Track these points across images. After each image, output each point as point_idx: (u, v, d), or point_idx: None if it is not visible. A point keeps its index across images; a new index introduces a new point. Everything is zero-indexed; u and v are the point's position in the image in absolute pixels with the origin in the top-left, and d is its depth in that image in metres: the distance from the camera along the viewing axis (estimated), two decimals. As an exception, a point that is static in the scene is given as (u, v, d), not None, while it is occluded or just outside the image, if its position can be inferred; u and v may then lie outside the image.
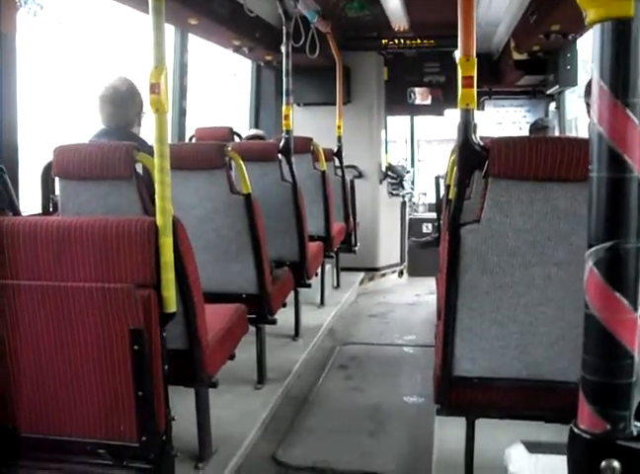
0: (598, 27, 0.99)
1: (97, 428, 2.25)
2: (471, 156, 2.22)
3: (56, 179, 2.77)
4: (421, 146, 11.06)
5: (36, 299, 2.18)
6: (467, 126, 2.20)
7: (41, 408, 2.28)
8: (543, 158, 2.14)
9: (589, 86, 3.11)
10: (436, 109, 8.03)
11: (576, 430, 1.07)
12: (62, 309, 2.17)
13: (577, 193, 2.16)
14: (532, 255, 2.22)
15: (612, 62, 0.98)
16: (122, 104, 3.01)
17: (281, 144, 4.43)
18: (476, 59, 2.21)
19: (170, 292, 2.23)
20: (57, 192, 2.81)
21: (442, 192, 5.08)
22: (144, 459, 2.27)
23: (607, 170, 1.00)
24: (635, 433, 1.04)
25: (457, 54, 2.24)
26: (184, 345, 2.55)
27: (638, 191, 0.99)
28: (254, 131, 5.83)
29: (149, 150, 2.54)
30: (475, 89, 2.21)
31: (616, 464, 1.03)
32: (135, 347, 2.14)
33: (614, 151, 0.99)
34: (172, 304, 2.24)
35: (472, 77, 2.20)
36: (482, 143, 2.22)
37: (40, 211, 2.92)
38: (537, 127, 5.12)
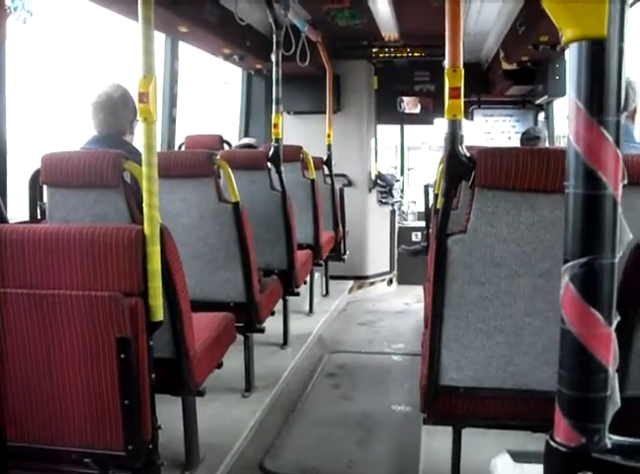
0: (574, 46, 1.00)
1: (83, 436, 2.25)
2: (458, 166, 2.23)
3: (44, 186, 2.77)
4: (410, 152, 11.07)
5: (22, 307, 2.18)
6: (454, 137, 2.22)
7: (28, 416, 2.27)
8: (529, 169, 2.15)
9: None
10: (426, 117, 8.06)
11: (552, 443, 1.09)
12: (49, 317, 2.17)
13: (562, 203, 2.17)
14: (518, 265, 2.23)
15: (587, 81, 0.99)
16: (115, 111, 3.00)
17: (271, 153, 4.44)
18: (463, 70, 2.23)
19: (157, 301, 2.23)
20: (45, 199, 2.80)
21: (432, 200, 5.11)
22: (130, 468, 2.27)
23: (583, 187, 1.01)
24: (609, 445, 1.05)
25: (445, 62, 2.25)
26: (171, 353, 2.55)
27: (613, 207, 1.01)
28: (246, 140, 5.83)
29: (138, 158, 2.54)
30: (462, 100, 2.23)
31: None
32: (122, 355, 2.13)
33: (590, 168, 1.00)
34: (159, 313, 2.24)
35: (459, 88, 2.21)
36: (469, 154, 2.24)
37: (27, 219, 2.91)
38: (529, 137, 5.15)
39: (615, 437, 1.06)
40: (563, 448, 1.07)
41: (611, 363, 1.04)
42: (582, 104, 1.00)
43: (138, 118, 3.05)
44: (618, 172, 1.00)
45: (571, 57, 1.01)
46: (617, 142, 1.00)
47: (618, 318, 1.04)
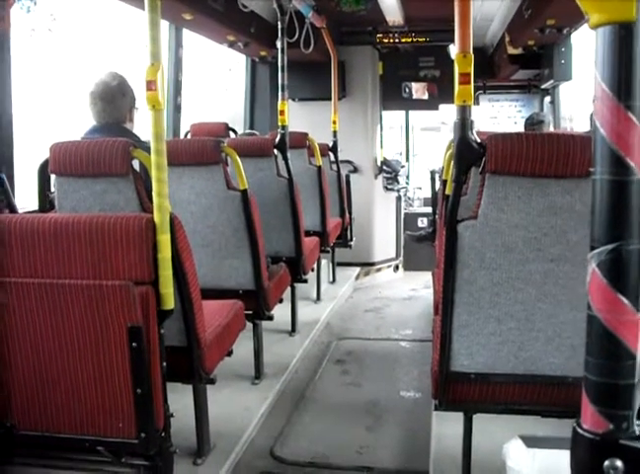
0: (600, 30, 0.99)
1: (95, 424, 2.26)
2: (468, 152, 2.22)
3: (53, 176, 2.76)
4: (415, 134, 10.98)
5: (33, 297, 2.18)
6: (464, 123, 2.21)
7: (39, 405, 2.28)
8: (540, 154, 2.14)
9: None
10: (431, 103, 8.04)
11: (579, 429, 1.08)
12: (60, 307, 2.17)
13: (573, 188, 2.17)
14: (529, 251, 2.22)
15: (614, 66, 0.98)
16: (114, 100, 2.98)
17: (277, 140, 4.43)
18: (473, 56, 2.22)
19: (168, 289, 2.24)
20: (54, 189, 2.80)
21: (438, 186, 5.09)
22: (143, 456, 2.28)
23: (610, 172, 1.00)
24: (637, 432, 1.05)
25: (452, 49, 2.24)
26: (181, 342, 2.56)
27: None
28: (248, 132, 5.84)
29: (143, 146, 2.53)
30: (472, 85, 2.22)
31: (619, 463, 1.04)
32: (133, 344, 2.14)
33: (617, 154, 0.99)
34: (170, 301, 2.25)
35: (469, 74, 2.20)
36: (479, 140, 2.23)
37: (36, 209, 2.91)
38: (533, 122, 5.12)
39: None
40: (591, 435, 1.07)
41: (639, 350, 1.03)
42: (608, 88, 0.99)
43: (137, 106, 3.05)
44: None
45: (598, 42, 1.00)
46: None
47: None
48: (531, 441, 1.98)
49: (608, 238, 1.02)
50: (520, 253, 2.23)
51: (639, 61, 0.97)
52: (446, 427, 2.95)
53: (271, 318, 3.76)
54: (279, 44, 4.52)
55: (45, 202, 2.86)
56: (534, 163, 2.15)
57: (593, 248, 1.04)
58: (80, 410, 2.26)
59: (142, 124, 2.94)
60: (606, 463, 1.04)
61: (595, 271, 1.03)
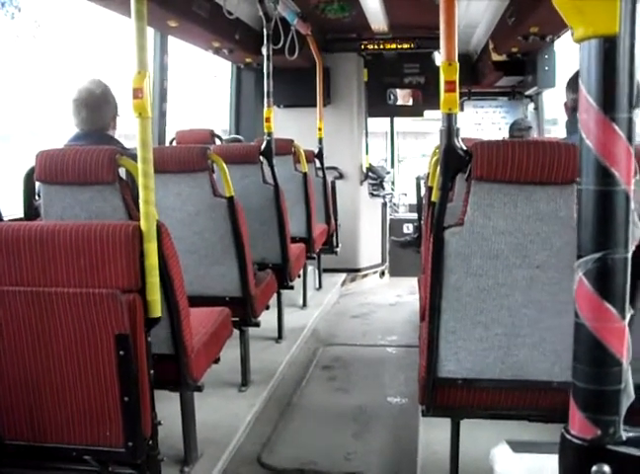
0: (585, 44, 1.01)
1: (82, 433, 2.25)
2: (454, 160, 2.23)
3: (38, 184, 2.75)
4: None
5: (20, 305, 2.17)
6: (450, 130, 2.22)
7: (26, 415, 2.27)
8: (525, 161, 2.16)
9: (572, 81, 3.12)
10: (415, 110, 8.08)
11: (567, 435, 1.10)
12: (47, 315, 2.16)
13: (558, 195, 2.19)
14: (515, 257, 2.24)
15: (599, 79, 1.00)
16: (97, 107, 2.97)
17: (263, 146, 4.43)
18: (458, 64, 2.24)
19: (155, 297, 2.23)
20: (39, 196, 2.79)
21: (423, 192, 5.11)
22: (130, 464, 2.27)
23: (596, 183, 1.02)
24: (624, 437, 1.07)
25: (437, 56, 2.26)
26: (169, 349, 2.55)
27: (625, 203, 1.02)
28: (232, 137, 5.84)
29: (129, 154, 2.53)
30: (458, 93, 2.23)
31: (607, 469, 1.05)
32: (121, 352, 2.13)
33: (602, 165, 1.01)
34: (157, 309, 2.24)
35: (455, 82, 2.21)
36: (465, 147, 2.24)
37: (22, 217, 2.90)
38: (521, 128, 5.18)
39: (630, 429, 1.07)
40: (578, 441, 1.08)
41: (625, 357, 1.05)
42: (594, 101, 1.01)
43: (119, 113, 3.05)
44: (630, 168, 1.02)
45: (582, 55, 1.02)
46: (630, 139, 1.01)
47: (632, 312, 1.05)
48: (518, 446, 1.99)
49: (595, 247, 1.03)
50: (506, 259, 2.25)
51: (623, 74, 0.99)
52: (434, 432, 2.97)
53: (257, 325, 3.75)
54: (264, 51, 4.52)
55: (31, 210, 2.85)
56: (520, 170, 2.17)
57: (579, 256, 1.05)
58: (67, 419, 2.25)
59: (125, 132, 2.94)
60: (594, 469, 1.06)
61: (582, 279, 1.05)
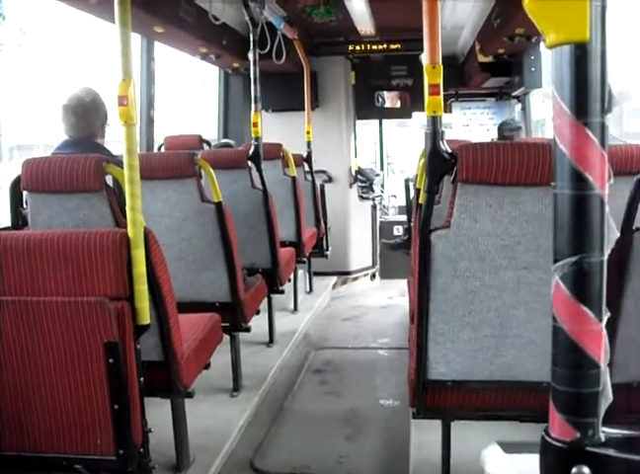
0: (557, 50, 1.02)
1: (73, 442, 2.24)
2: (440, 162, 2.24)
3: (25, 192, 2.75)
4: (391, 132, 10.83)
5: (7, 315, 2.16)
6: (435, 133, 2.23)
7: (16, 424, 2.26)
8: (510, 163, 2.17)
9: None
10: (404, 112, 8.10)
11: (547, 438, 1.11)
12: (35, 324, 2.15)
13: (543, 196, 2.20)
14: (502, 259, 2.25)
15: (572, 84, 1.01)
16: (87, 114, 2.97)
17: (251, 151, 4.43)
18: (442, 66, 2.24)
19: (143, 304, 2.23)
20: (26, 205, 2.78)
21: (412, 194, 5.12)
22: (122, 472, 2.26)
23: (571, 187, 1.03)
24: (603, 439, 1.08)
25: (424, 57, 2.26)
26: (159, 356, 2.55)
27: (600, 207, 1.03)
28: (223, 141, 5.83)
29: (116, 161, 2.52)
30: (442, 96, 2.24)
31: (586, 470, 1.06)
32: (110, 360, 2.13)
33: (576, 169, 1.02)
34: (146, 316, 2.24)
35: (439, 85, 2.22)
36: (450, 150, 2.25)
37: (9, 225, 2.89)
38: (511, 128, 5.19)
39: (609, 431, 1.08)
40: (558, 443, 1.09)
41: (602, 359, 1.06)
42: (566, 106, 1.02)
43: (109, 122, 3.05)
44: (604, 172, 1.02)
45: (554, 61, 1.03)
46: (602, 143, 1.02)
47: (608, 314, 1.06)
48: (509, 447, 2.00)
49: (571, 251, 1.04)
50: (493, 261, 2.26)
51: (595, 79, 1.00)
52: (425, 434, 2.97)
53: (248, 330, 3.75)
54: (250, 56, 4.53)
55: (18, 219, 2.84)
56: (505, 172, 2.18)
57: (556, 261, 1.06)
58: (57, 428, 2.24)
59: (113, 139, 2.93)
60: (574, 470, 1.07)
61: (558, 283, 1.06)
